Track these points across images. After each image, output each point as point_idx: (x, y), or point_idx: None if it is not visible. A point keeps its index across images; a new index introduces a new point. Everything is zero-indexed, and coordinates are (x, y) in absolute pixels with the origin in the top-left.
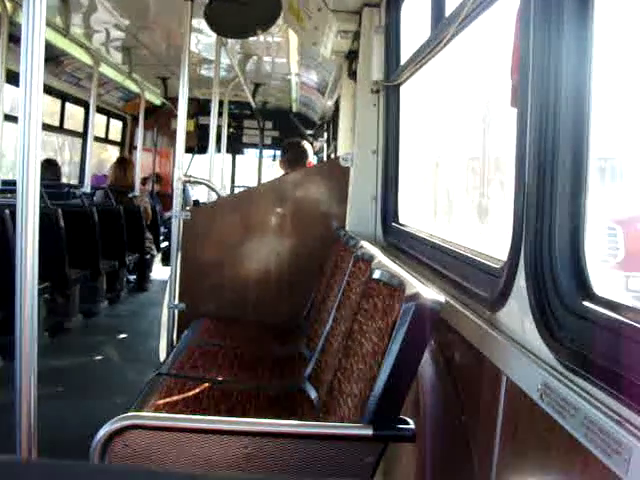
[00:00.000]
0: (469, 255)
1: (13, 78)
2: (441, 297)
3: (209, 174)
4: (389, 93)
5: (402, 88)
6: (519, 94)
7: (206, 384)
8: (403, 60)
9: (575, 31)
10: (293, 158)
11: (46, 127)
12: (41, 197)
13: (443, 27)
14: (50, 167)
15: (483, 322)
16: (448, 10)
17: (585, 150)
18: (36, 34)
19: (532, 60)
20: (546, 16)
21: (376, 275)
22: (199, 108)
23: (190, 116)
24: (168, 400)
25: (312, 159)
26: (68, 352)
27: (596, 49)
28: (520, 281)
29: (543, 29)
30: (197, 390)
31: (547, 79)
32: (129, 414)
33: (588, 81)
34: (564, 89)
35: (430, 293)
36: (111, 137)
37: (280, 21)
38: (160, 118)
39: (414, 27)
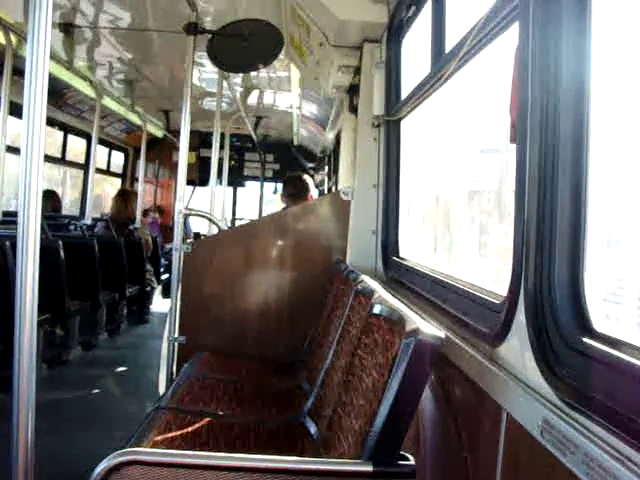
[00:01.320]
0: (469, 290)
1: (16, 110)
2: (441, 332)
3: (210, 207)
4: (390, 127)
5: (403, 122)
6: (518, 130)
7: (206, 418)
8: (404, 95)
9: (573, 69)
10: (294, 192)
11: (48, 159)
12: (42, 228)
13: (443, 63)
14: (50, 198)
15: (483, 357)
16: (448, 46)
17: (584, 187)
18: (40, 67)
19: (531, 97)
20: (544, 54)
21: (376, 310)
22: (201, 140)
23: (192, 148)
24: (167, 435)
25: (313, 192)
26: (67, 384)
27: (594, 87)
28: (520, 317)
29: (542, 67)
30: (196, 424)
31: (545, 116)
32: (127, 450)
33: (586, 118)
34: (562, 126)
35: (430, 328)
36: (113, 169)
37: (282, 56)
38: (162, 150)
39: (415, 62)
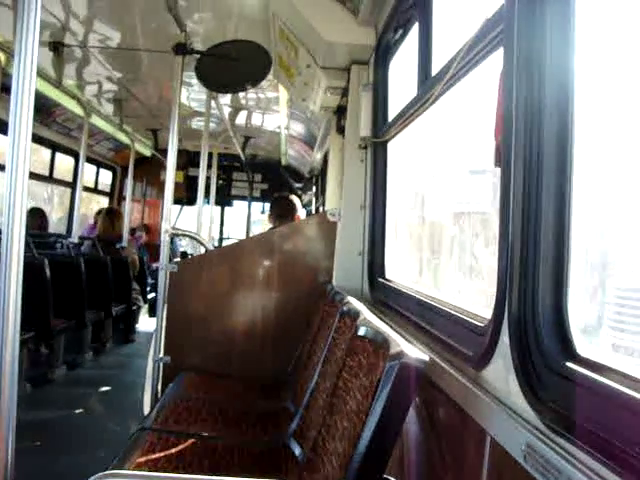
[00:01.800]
0: (454, 313)
1: (3, 127)
2: (425, 355)
3: (197, 226)
4: (376, 149)
5: (390, 144)
6: (503, 154)
7: (190, 439)
8: (390, 117)
9: (557, 94)
10: (281, 212)
11: (35, 176)
12: (27, 246)
13: (430, 85)
14: (37, 216)
15: (467, 380)
16: (435, 69)
17: (568, 211)
18: (26, 85)
19: (515, 121)
20: (529, 79)
21: (361, 332)
22: (189, 160)
23: (179, 168)
24: (151, 456)
25: (300, 213)
26: (51, 404)
27: (577, 112)
28: (504, 340)
29: (526, 91)
30: (180, 446)
31: (530, 140)
32: (108, 472)
33: (570, 143)
34: (546, 151)
35: (414, 351)
36: (100, 187)
37: (270, 76)
38: (150, 169)
39: (402, 84)
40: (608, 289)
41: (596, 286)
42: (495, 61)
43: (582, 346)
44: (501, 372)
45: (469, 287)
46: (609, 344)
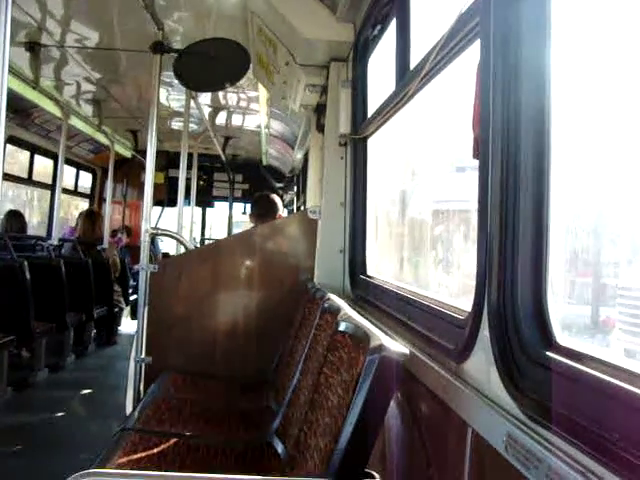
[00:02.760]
0: (434, 306)
1: None
2: (406, 349)
3: (177, 227)
4: (356, 146)
5: (369, 140)
6: (481, 146)
7: (172, 439)
8: (370, 113)
9: (533, 84)
10: (263, 212)
11: (14, 179)
12: (6, 248)
13: (408, 80)
14: (15, 218)
15: (448, 373)
16: (413, 64)
17: (546, 201)
18: None
19: (492, 113)
20: (505, 71)
21: (342, 327)
22: (169, 161)
23: (160, 169)
24: (133, 456)
25: (282, 212)
26: (33, 407)
27: (554, 102)
28: (484, 332)
29: (503, 83)
30: (163, 445)
31: (507, 132)
32: (87, 471)
33: (547, 133)
34: (524, 142)
35: (395, 345)
36: (80, 189)
37: (249, 75)
38: (130, 170)
39: (381, 80)
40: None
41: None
42: (472, 54)
43: (561, 335)
44: (481, 364)
45: (449, 282)
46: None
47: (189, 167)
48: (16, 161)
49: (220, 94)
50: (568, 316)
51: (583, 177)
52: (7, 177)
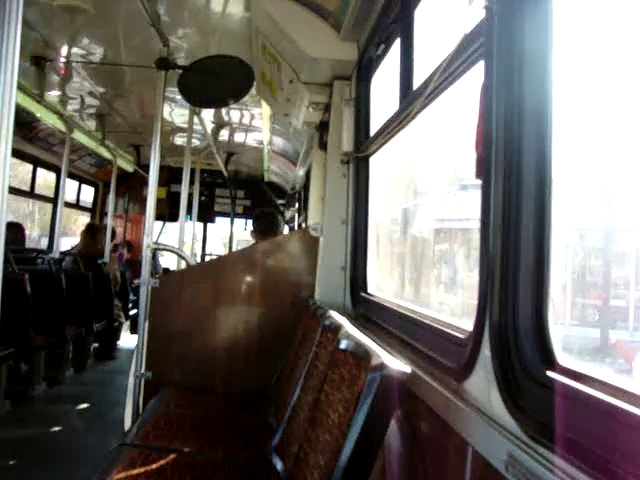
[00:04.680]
0: (436, 325)
1: None
2: (407, 367)
3: (179, 242)
4: (359, 164)
5: (371, 159)
6: (484, 166)
7: (171, 455)
8: (372, 131)
9: (536, 106)
10: (264, 228)
11: (16, 192)
12: (7, 261)
13: (411, 100)
14: (14, 231)
15: (449, 392)
16: (416, 84)
17: (548, 222)
18: (6, 99)
19: (495, 133)
20: (509, 91)
21: (343, 345)
22: (171, 176)
23: (162, 184)
24: (131, 472)
25: (283, 229)
26: (31, 422)
27: (556, 122)
28: (485, 351)
29: (506, 104)
30: (161, 461)
31: (510, 152)
32: None
33: (549, 154)
34: (526, 162)
35: (396, 363)
36: (82, 203)
37: (253, 92)
38: (132, 185)
39: (384, 99)
40: None
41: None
42: (476, 74)
43: (562, 355)
44: (482, 383)
45: (450, 300)
46: None
47: (191, 182)
48: (16, 174)
49: (223, 110)
50: (574, 339)
51: (585, 197)
52: (10, 190)
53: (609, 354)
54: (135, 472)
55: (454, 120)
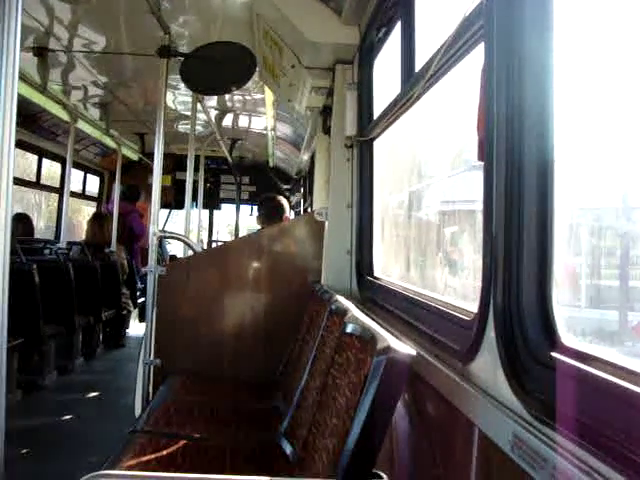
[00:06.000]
0: (441, 308)
1: None
2: (412, 350)
3: (185, 229)
4: (362, 148)
5: (375, 142)
6: (485, 148)
7: (181, 441)
8: (376, 115)
9: (537, 86)
10: (269, 213)
11: (22, 182)
12: (15, 252)
13: (413, 83)
14: (22, 222)
15: (455, 374)
16: (418, 66)
17: (550, 202)
18: (8, 89)
19: (497, 115)
20: (509, 73)
21: (349, 329)
22: (176, 163)
23: (167, 171)
24: (142, 458)
25: (289, 214)
26: (42, 410)
27: (557, 103)
28: (490, 333)
29: (507, 85)
30: (172, 447)
31: (511, 134)
32: (98, 473)
33: (551, 135)
34: (528, 143)
35: (401, 346)
36: (88, 193)
37: (255, 78)
38: (137, 173)
39: (386, 83)
40: None
41: None
42: (477, 56)
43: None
44: (488, 364)
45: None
46: None
47: (196, 170)
48: (20, 164)
49: (226, 97)
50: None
51: (587, 177)
52: (16, 181)
53: (629, 337)
54: (146, 458)
55: (458, 102)
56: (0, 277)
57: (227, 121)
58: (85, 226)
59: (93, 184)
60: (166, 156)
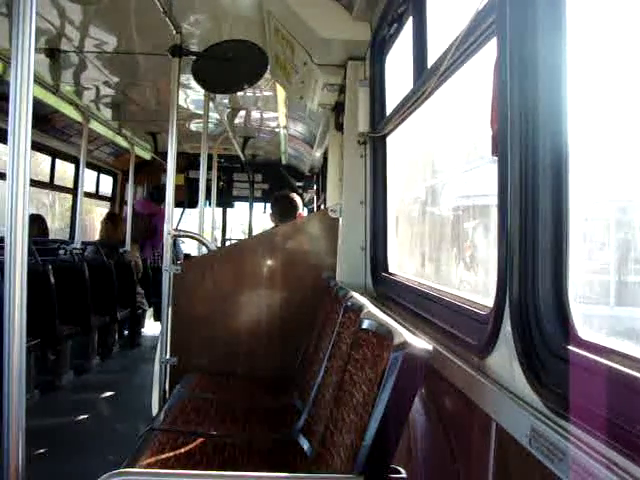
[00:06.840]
0: (457, 303)
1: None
2: (429, 345)
3: (199, 228)
4: (375, 144)
5: (388, 138)
6: (499, 143)
7: (199, 438)
8: (388, 111)
9: (550, 81)
10: (283, 211)
11: (36, 183)
12: (31, 253)
13: (426, 78)
14: (37, 223)
15: (471, 369)
16: (430, 62)
17: (565, 196)
18: (24, 92)
19: (510, 110)
20: (522, 67)
21: (365, 325)
22: (189, 162)
23: (180, 170)
24: (160, 456)
25: (302, 211)
26: (60, 410)
27: (571, 99)
28: (506, 327)
29: (520, 80)
30: (190, 445)
31: (525, 128)
32: (118, 471)
33: (565, 129)
34: (542, 138)
35: (418, 341)
36: (101, 193)
37: (267, 75)
38: (150, 173)
39: (398, 79)
40: None
41: None
42: (490, 51)
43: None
44: (504, 359)
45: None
46: None
47: (209, 168)
48: (37, 166)
49: (238, 95)
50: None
51: (602, 171)
52: (30, 182)
53: None
54: (164, 456)
55: (471, 97)
56: (18, 278)
57: (239, 119)
58: (98, 226)
59: (106, 184)
60: (179, 155)
